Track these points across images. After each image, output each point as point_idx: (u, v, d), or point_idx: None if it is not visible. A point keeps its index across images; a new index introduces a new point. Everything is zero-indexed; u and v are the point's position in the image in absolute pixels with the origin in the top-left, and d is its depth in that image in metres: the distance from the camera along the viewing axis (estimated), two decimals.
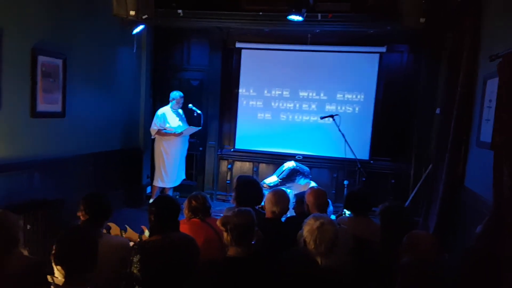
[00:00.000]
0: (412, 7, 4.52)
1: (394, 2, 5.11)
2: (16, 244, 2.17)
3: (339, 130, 5.29)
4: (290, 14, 5.03)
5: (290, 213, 3.41)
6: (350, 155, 5.31)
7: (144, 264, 1.92)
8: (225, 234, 2.34)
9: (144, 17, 4.84)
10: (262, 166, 6.44)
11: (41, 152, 4.13)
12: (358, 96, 6.03)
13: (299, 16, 5.01)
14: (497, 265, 2.35)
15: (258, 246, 2.42)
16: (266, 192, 3.36)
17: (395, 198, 5.49)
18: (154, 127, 5.69)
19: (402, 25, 4.73)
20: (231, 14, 5.75)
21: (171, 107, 5.77)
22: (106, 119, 5.38)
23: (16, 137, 3.83)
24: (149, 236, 2.52)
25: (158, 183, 5.81)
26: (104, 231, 2.75)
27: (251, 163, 6.50)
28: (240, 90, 6.42)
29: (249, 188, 3.38)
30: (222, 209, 4.55)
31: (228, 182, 6.51)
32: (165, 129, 5.67)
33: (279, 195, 3.14)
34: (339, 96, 6.10)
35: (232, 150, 6.54)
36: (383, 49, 5.83)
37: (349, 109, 6.06)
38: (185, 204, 2.98)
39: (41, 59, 4.04)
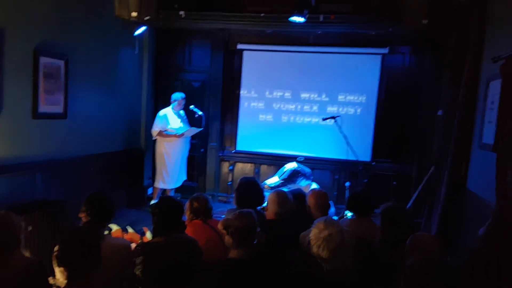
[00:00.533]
0: (414, 8, 4.52)
1: (396, 3, 5.10)
2: (17, 245, 2.17)
3: (341, 132, 5.28)
4: (292, 16, 5.03)
5: None
6: (351, 157, 5.30)
7: (147, 265, 1.92)
8: (226, 237, 2.33)
9: (146, 18, 4.86)
10: (264, 168, 6.43)
11: (42, 153, 4.13)
12: (360, 98, 6.02)
13: (301, 17, 5.01)
14: (499, 267, 2.34)
15: (261, 247, 2.41)
16: (267, 193, 3.35)
17: (397, 200, 5.46)
18: (156, 128, 5.68)
19: (405, 26, 4.72)
20: (233, 16, 5.76)
21: (173, 109, 5.76)
22: (107, 120, 5.39)
23: (17, 138, 3.83)
24: (152, 237, 2.52)
25: (159, 184, 5.80)
26: (106, 232, 2.75)
27: (252, 165, 6.49)
28: (241, 92, 6.42)
29: (250, 190, 3.36)
30: (223, 210, 4.53)
31: (230, 183, 6.50)
32: (166, 130, 5.67)
33: (282, 196, 3.14)
34: (340, 97, 6.09)
35: (233, 151, 6.53)
36: (385, 51, 5.81)
37: (350, 111, 6.05)
38: (186, 206, 2.97)
39: (43, 60, 4.03)
